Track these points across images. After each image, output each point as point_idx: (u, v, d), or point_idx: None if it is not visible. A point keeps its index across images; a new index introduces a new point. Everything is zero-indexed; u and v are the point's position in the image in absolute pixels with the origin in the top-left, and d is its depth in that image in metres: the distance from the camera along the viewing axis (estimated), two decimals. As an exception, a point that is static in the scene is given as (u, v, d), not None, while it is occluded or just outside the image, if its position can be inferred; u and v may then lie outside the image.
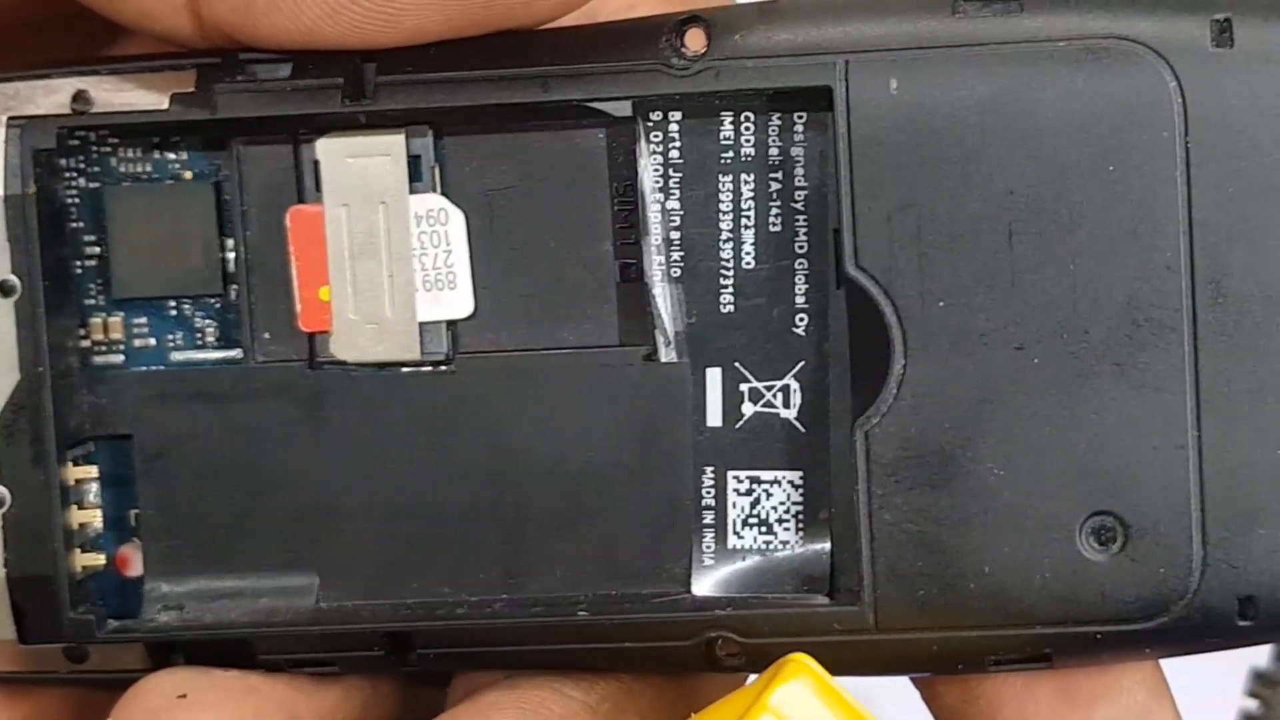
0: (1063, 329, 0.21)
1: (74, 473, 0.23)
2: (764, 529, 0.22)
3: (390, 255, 0.22)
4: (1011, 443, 0.21)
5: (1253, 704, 0.38)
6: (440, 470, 0.22)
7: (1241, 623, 0.21)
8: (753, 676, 0.22)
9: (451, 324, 0.23)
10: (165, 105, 0.22)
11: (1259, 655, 0.38)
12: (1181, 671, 0.42)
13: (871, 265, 0.21)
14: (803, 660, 0.20)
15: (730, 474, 0.22)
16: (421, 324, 0.22)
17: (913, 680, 0.23)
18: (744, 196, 0.22)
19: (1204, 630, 0.21)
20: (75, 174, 0.23)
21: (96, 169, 0.23)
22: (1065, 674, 0.22)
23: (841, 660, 0.21)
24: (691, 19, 0.22)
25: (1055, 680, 0.22)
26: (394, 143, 0.22)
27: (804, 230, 0.22)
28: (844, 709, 0.20)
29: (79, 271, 0.23)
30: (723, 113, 0.22)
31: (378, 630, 0.22)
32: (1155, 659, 0.22)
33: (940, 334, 0.21)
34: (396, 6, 0.21)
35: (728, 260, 0.22)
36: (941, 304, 0.21)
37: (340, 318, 0.22)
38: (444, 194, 0.22)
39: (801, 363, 0.22)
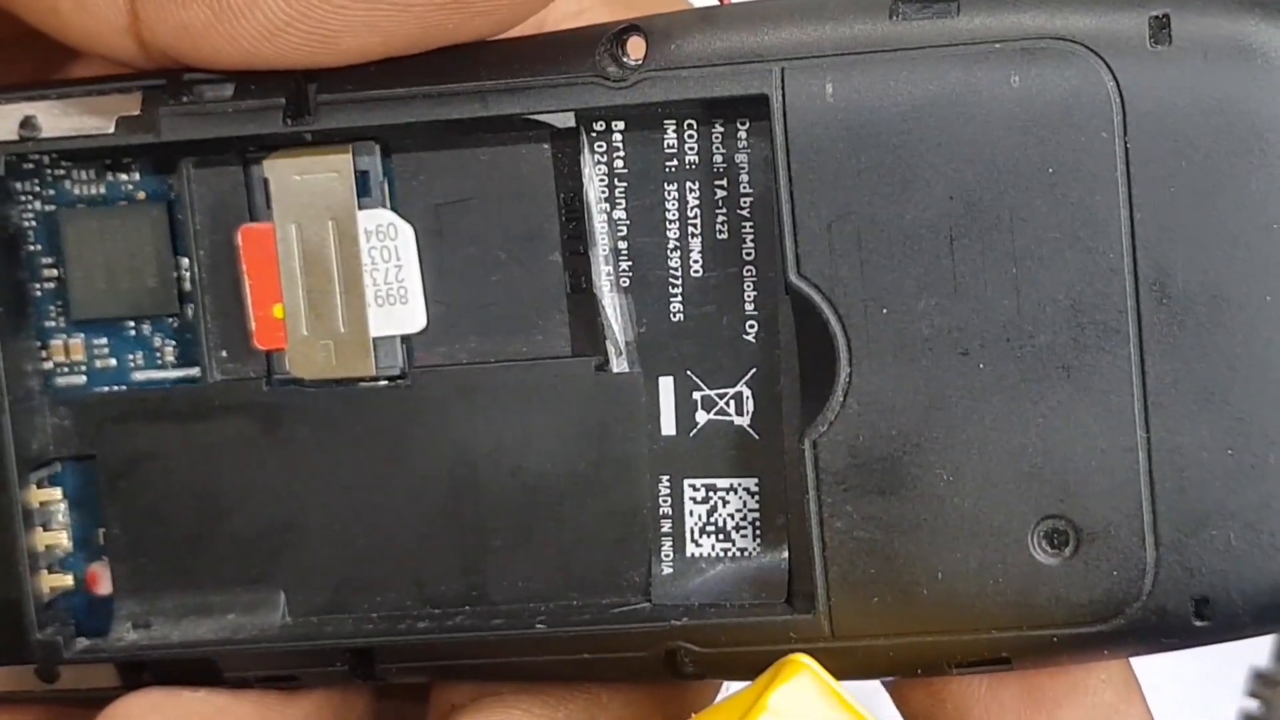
0: (1007, 333, 0.21)
1: (38, 495, 0.23)
2: (722, 536, 0.23)
3: (341, 271, 0.22)
4: (960, 448, 0.21)
5: (1253, 704, 0.38)
6: (399, 484, 0.23)
7: (1198, 623, 0.21)
8: (735, 685, 0.22)
9: (405, 339, 0.23)
10: (111, 129, 0.22)
11: (1259, 655, 0.38)
12: (1181, 671, 0.42)
13: (813, 273, 0.21)
14: (803, 660, 0.20)
15: (686, 482, 0.23)
16: (375, 339, 0.23)
17: (882, 683, 0.23)
18: (690, 205, 0.22)
19: (1160, 631, 0.21)
20: (30, 197, 0.23)
21: (51, 192, 0.23)
22: (1031, 675, 0.22)
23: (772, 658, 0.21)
24: (630, 28, 0.22)
25: (1021, 681, 0.22)
26: (341, 160, 0.22)
27: (750, 237, 0.22)
28: (844, 709, 0.20)
29: (38, 294, 0.23)
30: (665, 121, 0.22)
31: (340, 646, 0.22)
32: (1115, 659, 0.22)
33: (884, 341, 0.21)
34: (331, 28, 0.21)
35: (676, 269, 0.22)
36: (885, 310, 0.21)
37: (294, 335, 0.23)
38: (393, 209, 0.23)
39: (753, 369, 0.22)
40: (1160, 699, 0.42)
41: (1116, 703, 0.22)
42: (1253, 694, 0.38)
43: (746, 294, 0.22)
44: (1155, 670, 0.42)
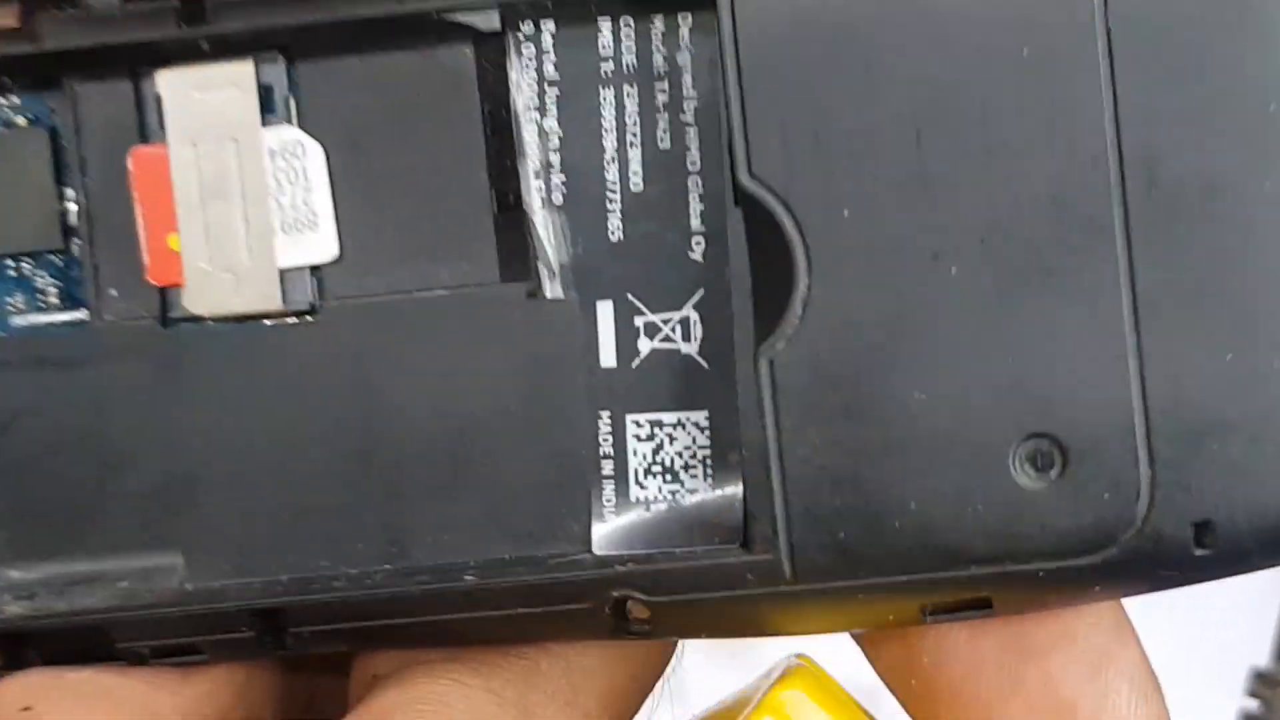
0: (982, 234, 0.19)
1: None
2: (669, 477, 0.20)
3: (244, 196, 0.20)
4: (933, 363, 0.19)
5: (1253, 704, 0.37)
6: (310, 431, 0.20)
7: (1199, 551, 0.19)
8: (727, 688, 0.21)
9: (315, 269, 0.21)
10: None
11: (1259, 655, 0.38)
12: (1181, 671, 0.41)
13: (767, 174, 0.19)
14: (804, 661, 0.20)
15: (629, 418, 0.20)
16: (282, 271, 0.20)
17: (854, 638, 0.21)
18: (628, 112, 0.20)
19: (1157, 562, 0.19)
20: None
21: None
22: (1014, 623, 0.20)
23: (761, 618, 0.19)
24: None
25: (1003, 630, 0.20)
26: (242, 72, 0.20)
27: (696, 145, 0.20)
28: (844, 709, 0.19)
29: None
30: (600, 18, 0.20)
31: (245, 608, 0.20)
32: (1107, 598, 0.20)
33: (846, 247, 0.19)
34: None
35: (614, 183, 0.20)
36: (846, 213, 0.19)
37: (192, 268, 0.20)
38: (300, 126, 0.21)
39: (700, 291, 0.20)
40: None
41: (1110, 646, 0.20)
42: (1253, 694, 0.37)
43: (692, 208, 0.20)
44: (1155, 670, 0.41)
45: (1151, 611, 0.43)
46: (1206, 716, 0.38)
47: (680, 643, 0.21)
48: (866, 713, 0.21)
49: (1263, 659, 0.37)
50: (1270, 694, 0.36)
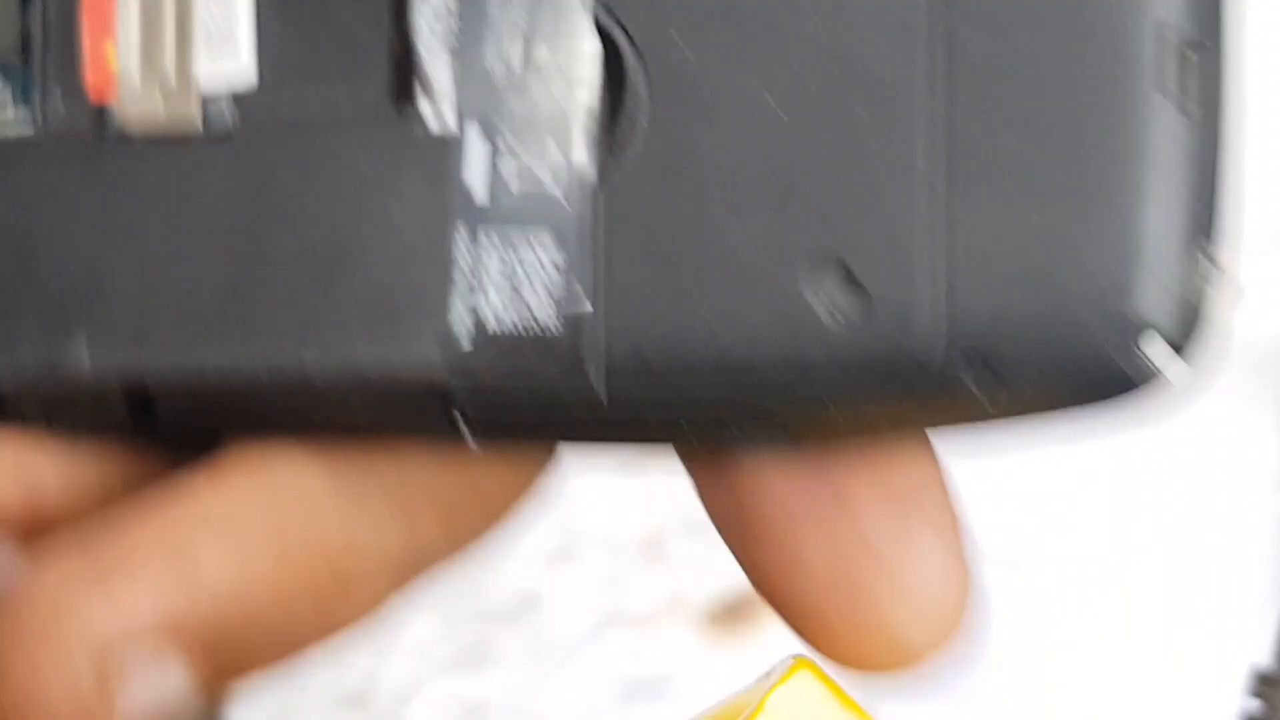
0: (809, 82, 0.19)
1: None
2: (516, 297, 0.21)
3: (175, 8, 0.21)
4: (750, 202, 0.19)
5: (1253, 704, 0.37)
6: (209, 238, 0.21)
7: (987, 392, 0.19)
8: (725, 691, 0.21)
9: (235, 95, 0.21)
10: None
11: (1260, 655, 0.38)
12: (1181, 671, 0.41)
13: (615, 3, 0.20)
14: (803, 660, 0.20)
15: (485, 237, 0.21)
16: (204, 94, 0.21)
17: (688, 476, 0.22)
18: None
19: (950, 401, 0.19)
20: None
21: None
22: (825, 465, 0.20)
23: (580, 435, 0.20)
24: None
25: (814, 471, 0.20)
26: None
27: None
28: (844, 709, 0.20)
29: None
30: None
31: (128, 386, 0.21)
32: (904, 436, 0.20)
33: (680, 75, 0.19)
34: None
35: (496, 18, 0.21)
36: (686, 50, 0.19)
37: (126, 83, 0.21)
38: None
39: (564, 118, 0.21)
40: (1160, 699, 0.41)
41: (914, 493, 0.20)
42: (1254, 694, 0.37)
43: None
44: (1155, 670, 0.41)
45: (1152, 611, 0.43)
46: (1206, 716, 0.38)
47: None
48: (866, 713, 0.21)
49: (1263, 659, 0.37)
50: (1272, 694, 0.36)
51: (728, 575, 0.34)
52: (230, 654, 0.20)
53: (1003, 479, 0.40)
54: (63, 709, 0.20)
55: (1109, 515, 0.42)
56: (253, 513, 0.20)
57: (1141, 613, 0.41)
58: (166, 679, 0.20)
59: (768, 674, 0.20)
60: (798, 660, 0.20)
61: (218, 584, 0.20)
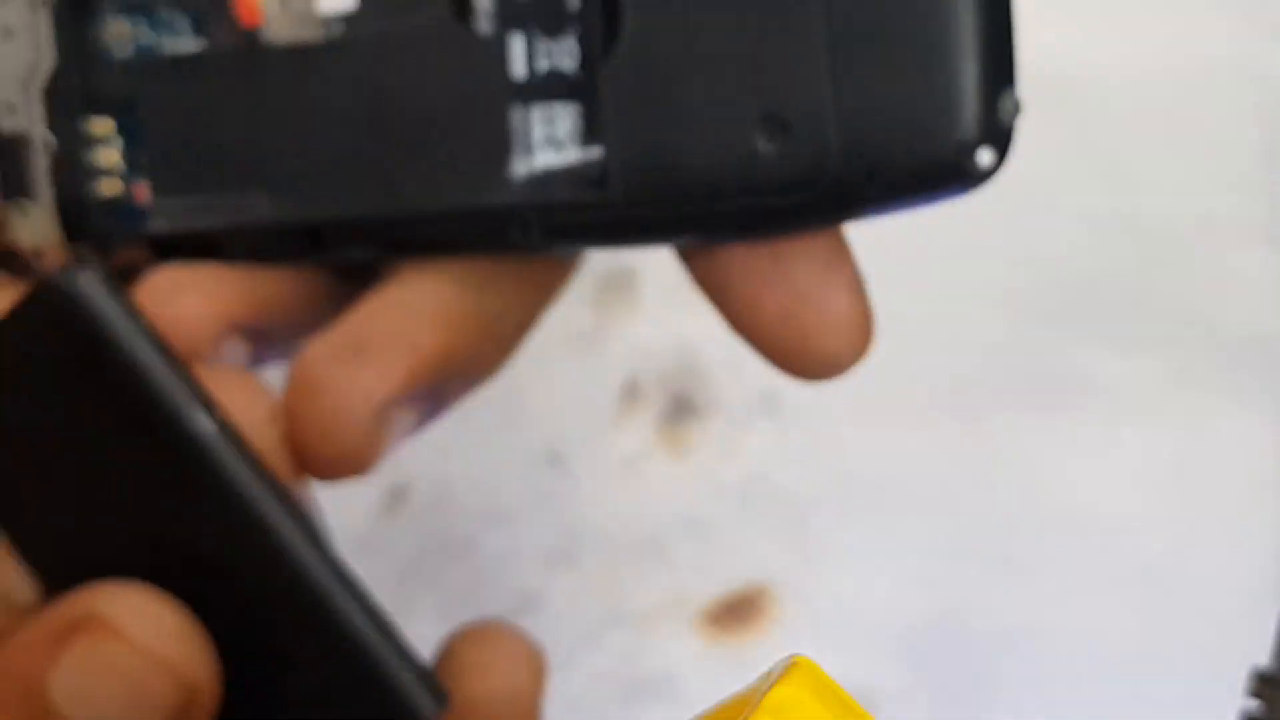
0: None
1: (99, 126, 0.29)
2: (557, 146, 0.28)
3: None
4: (711, 74, 0.27)
5: (1253, 704, 0.37)
6: (337, 117, 0.29)
7: (870, 192, 0.27)
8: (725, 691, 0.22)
9: (343, 15, 0.29)
10: None
11: (1260, 655, 0.37)
12: (1181, 671, 0.41)
13: None
14: (803, 661, 0.20)
15: (531, 108, 0.28)
16: (322, 15, 0.29)
17: (684, 263, 0.29)
18: None
19: (843, 198, 0.27)
20: None
21: None
22: (771, 243, 0.28)
23: (605, 237, 0.28)
24: None
25: (764, 247, 0.28)
26: None
27: None
28: (844, 709, 0.20)
29: None
30: None
31: (304, 226, 0.29)
32: (819, 226, 0.28)
33: None
34: None
35: None
36: None
37: (269, 10, 0.29)
38: None
39: (580, 26, 0.28)
40: (1160, 699, 0.40)
41: (831, 258, 0.28)
42: (1254, 694, 0.37)
43: None
44: (1155, 670, 0.41)
45: (1152, 612, 0.43)
46: (1206, 716, 0.38)
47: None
48: (865, 713, 0.21)
49: (1263, 659, 0.37)
50: (1272, 693, 0.36)
51: (728, 575, 0.34)
52: (438, 399, 0.29)
53: (1002, 479, 0.40)
54: (350, 433, 0.27)
55: (1109, 515, 0.42)
56: (433, 305, 0.28)
57: (1141, 612, 0.41)
58: (405, 422, 0.28)
59: (767, 674, 0.20)
60: (797, 660, 0.20)
61: (433, 353, 0.28)
